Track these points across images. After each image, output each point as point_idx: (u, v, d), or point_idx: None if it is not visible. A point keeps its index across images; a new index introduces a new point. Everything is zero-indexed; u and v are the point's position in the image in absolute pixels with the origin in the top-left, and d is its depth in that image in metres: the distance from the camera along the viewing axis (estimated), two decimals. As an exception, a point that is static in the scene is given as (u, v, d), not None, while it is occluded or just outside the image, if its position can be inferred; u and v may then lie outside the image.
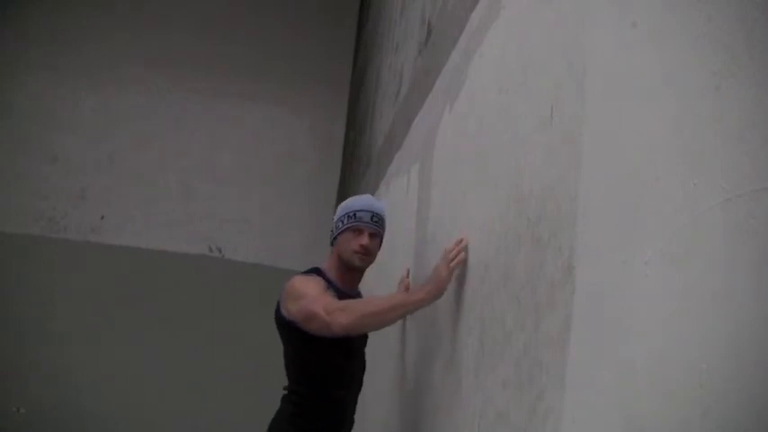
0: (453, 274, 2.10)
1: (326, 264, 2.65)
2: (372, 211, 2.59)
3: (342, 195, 7.13)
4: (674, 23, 1.05)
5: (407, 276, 2.94)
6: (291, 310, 2.45)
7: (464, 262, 2.07)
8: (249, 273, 7.16)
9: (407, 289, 2.95)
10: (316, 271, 2.60)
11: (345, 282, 2.61)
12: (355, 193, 5.91)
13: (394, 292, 3.03)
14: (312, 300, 2.36)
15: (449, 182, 2.46)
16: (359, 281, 2.68)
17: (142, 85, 7.40)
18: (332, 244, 2.66)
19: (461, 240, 2.09)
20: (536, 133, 1.58)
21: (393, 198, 3.58)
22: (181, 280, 7.09)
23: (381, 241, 2.65)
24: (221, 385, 6.81)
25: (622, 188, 1.15)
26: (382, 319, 2.32)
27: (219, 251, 7.30)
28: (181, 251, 7.21)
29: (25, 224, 7.12)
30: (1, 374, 6.67)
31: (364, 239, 2.55)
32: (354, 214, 2.57)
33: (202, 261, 7.22)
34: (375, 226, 2.59)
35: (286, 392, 2.65)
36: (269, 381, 6.57)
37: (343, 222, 2.59)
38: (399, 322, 3.01)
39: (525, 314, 1.52)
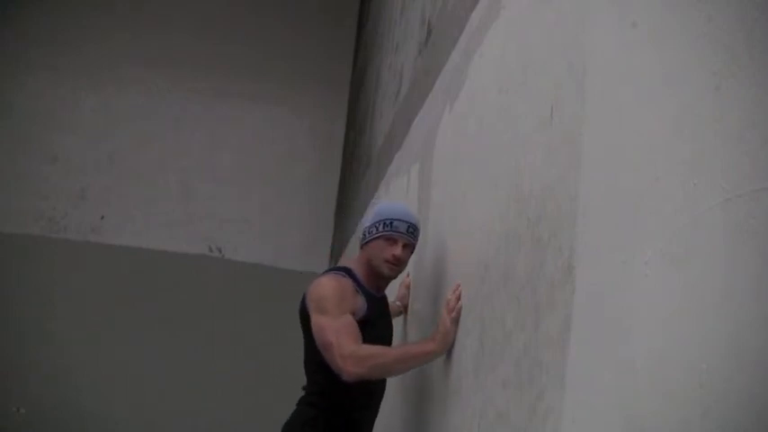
0: (457, 323, 2.12)
1: (355, 264, 2.56)
2: (409, 222, 2.50)
3: (342, 195, 7.14)
4: (674, 23, 1.05)
5: (408, 276, 2.93)
6: (311, 314, 2.37)
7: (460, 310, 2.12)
8: (249, 273, 7.16)
9: (408, 288, 2.94)
10: (345, 270, 2.52)
11: (372, 286, 2.52)
12: (356, 194, 5.92)
13: (395, 292, 3.03)
14: (333, 328, 2.28)
15: (449, 182, 2.46)
16: (386, 287, 2.59)
17: (142, 86, 7.40)
18: (362, 247, 2.56)
19: (457, 288, 2.11)
20: (536, 133, 1.58)
21: (393, 198, 3.58)
22: (181, 280, 7.09)
23: (413, 252, 2.56)
24: (221, 385, 6.81)
25: (622, 188, 1.15)
26: (393, 370, 2.36)
27: (219, 251, 7.30)
28: (181, 251, 7.21)
29: (25, 224, 7.13)
30: (1, 374, 6.68)
31: (398, 250, 2.46)
32: (391, 223, 2.47)
33: (202, 261, 7.23)
34: (410, 237, 2.50)
35: (304, 394, 2.55)
36: (269, 381, 6.61)
37: (377, 229, 2.49)
38: (400, 320, 3.01)
39: (525, 314, 1.52)
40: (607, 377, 1.12)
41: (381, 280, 2.55)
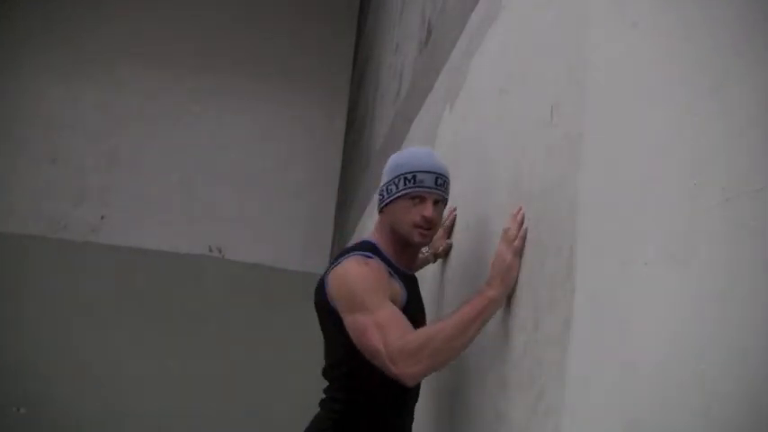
0: (520, 256, 1.63)
1: (377, 235, 2.04)
2: (437, 173, 1.97)
3: (342, 195, 7.14)
4: (674, 23, 1.05)
5: (453, 211, 2.32)
6: (342, 315, 1.87)
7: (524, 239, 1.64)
8: (249, 273, 7.16)
9: (445, 234, 2.35)
10: (370, 247, 1.99)
11: (402, 260, 2.02)
12: (354, 194, 5.91)
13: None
14: (375, 325, 1.76)
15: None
16: (416, 258, 2.12)
17: (143, 85, 7.40)
18: (380, 211, 2.05)
19: (519, 211, 1.64)
20: (536, 133, 1.58)
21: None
22: (181, 280, 7.09)
23: (445, 206, 2.06)
24: (221, 385, 6.81)
25: (622, 188, 1.15)
26: (455, 346, 1.73)
27: (219, 251, 7.30)
28: (181, 251, 7.21)
29: (25, 224, 7.12)
30: (1, 374, 6.67)
31: (428, 210, 1.93)
32: (414, 177, 1.95)
33: (202, 261, 7.22)
34: (440, 191, 1.97)
35: (325, 397, 2.05)
36: (269, 381, 6.61)
37: (397, 186, 1.97)
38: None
39: (525, 314, 1.52)
40: (607, 377, 1.12)
41: (413, 251, 2.05)
